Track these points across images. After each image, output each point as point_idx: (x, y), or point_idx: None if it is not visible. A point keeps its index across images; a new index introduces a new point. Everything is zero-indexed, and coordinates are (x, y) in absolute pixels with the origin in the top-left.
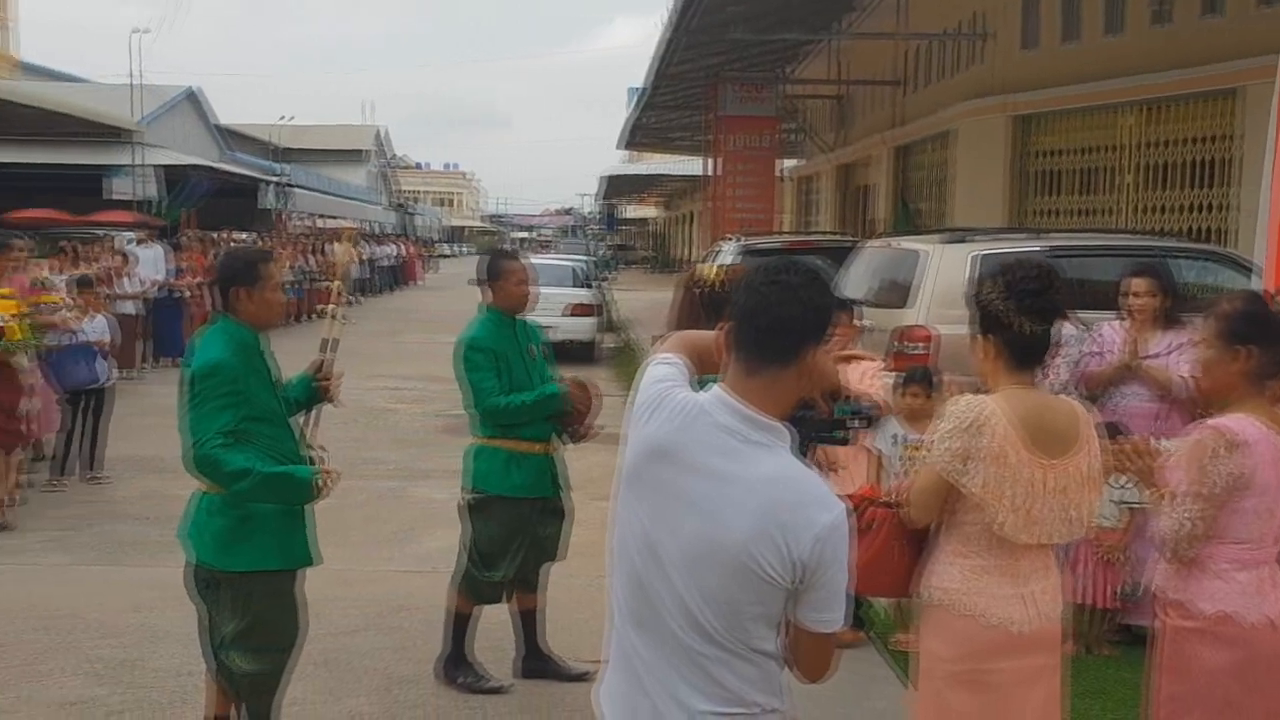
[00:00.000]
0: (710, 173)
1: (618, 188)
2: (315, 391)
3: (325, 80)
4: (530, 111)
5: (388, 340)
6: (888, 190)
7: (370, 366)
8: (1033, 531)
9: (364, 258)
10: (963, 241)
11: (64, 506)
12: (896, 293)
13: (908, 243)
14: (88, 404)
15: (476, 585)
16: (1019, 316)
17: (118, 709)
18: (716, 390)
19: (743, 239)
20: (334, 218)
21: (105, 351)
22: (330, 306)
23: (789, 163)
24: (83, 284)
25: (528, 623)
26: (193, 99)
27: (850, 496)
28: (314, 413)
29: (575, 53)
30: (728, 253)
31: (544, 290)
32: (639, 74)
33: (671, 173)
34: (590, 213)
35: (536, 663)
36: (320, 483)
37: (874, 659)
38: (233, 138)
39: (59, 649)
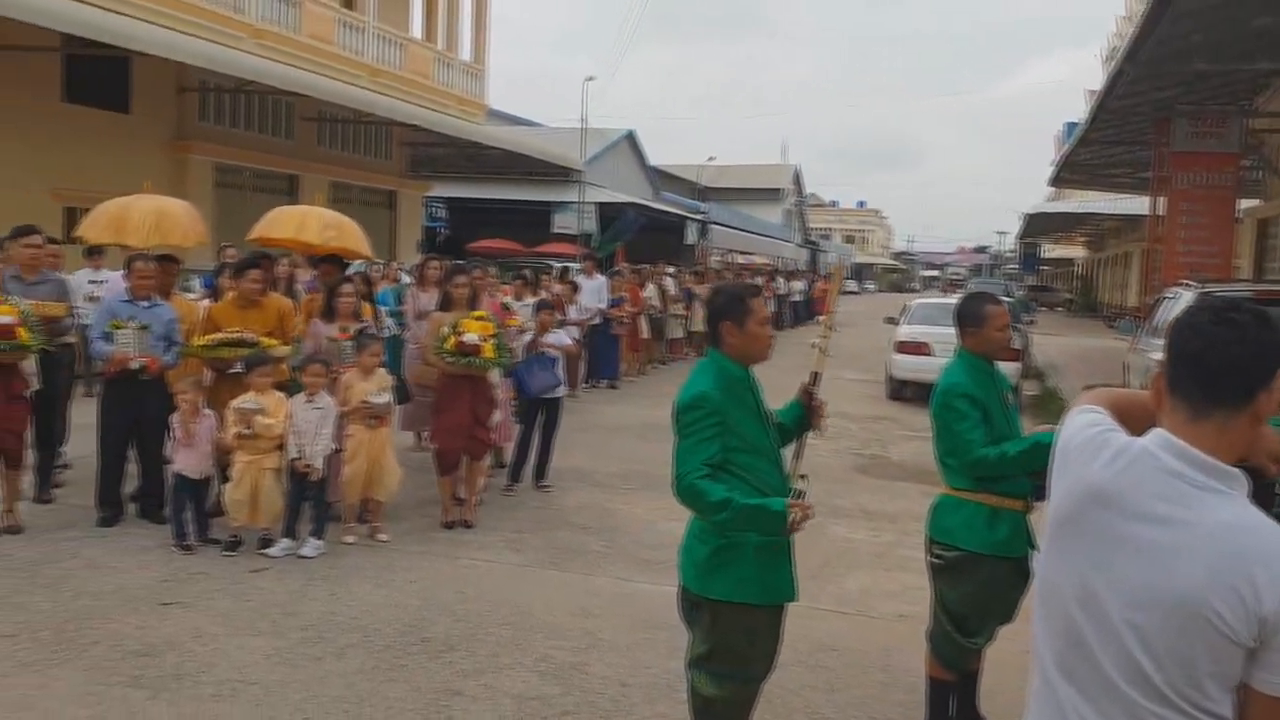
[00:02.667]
0: (1154, 212)
1: (1040, 226)
2: (804, 419)
3: (745, 121)
4: (945, 148)
5: (799, 375)
6: None
7: (783, 401)
8: None
9: (785, 295)
10: None
11: (517, 510)
12: None
13: None
14: (544, 416)
15: (957, 651)
16: None
17: (571, 709)
18: (1160, 433)
19: (1201, 286)
20: (748, 253)
21: (561, 360)
22: (817, 340)
23: (1246, 203)
24: (543, 305)
25: (968, 686)
26: (631, 140)
27: None
28: (800, 441)
29: (998, 89)
30: (1183, 300)
31: None
32: (1069, 108)
33: (1104, 211)
34: (1008, 251)
35: None
36: (794, 516)
37: None
38: (661, 177)
39: (515, 644)
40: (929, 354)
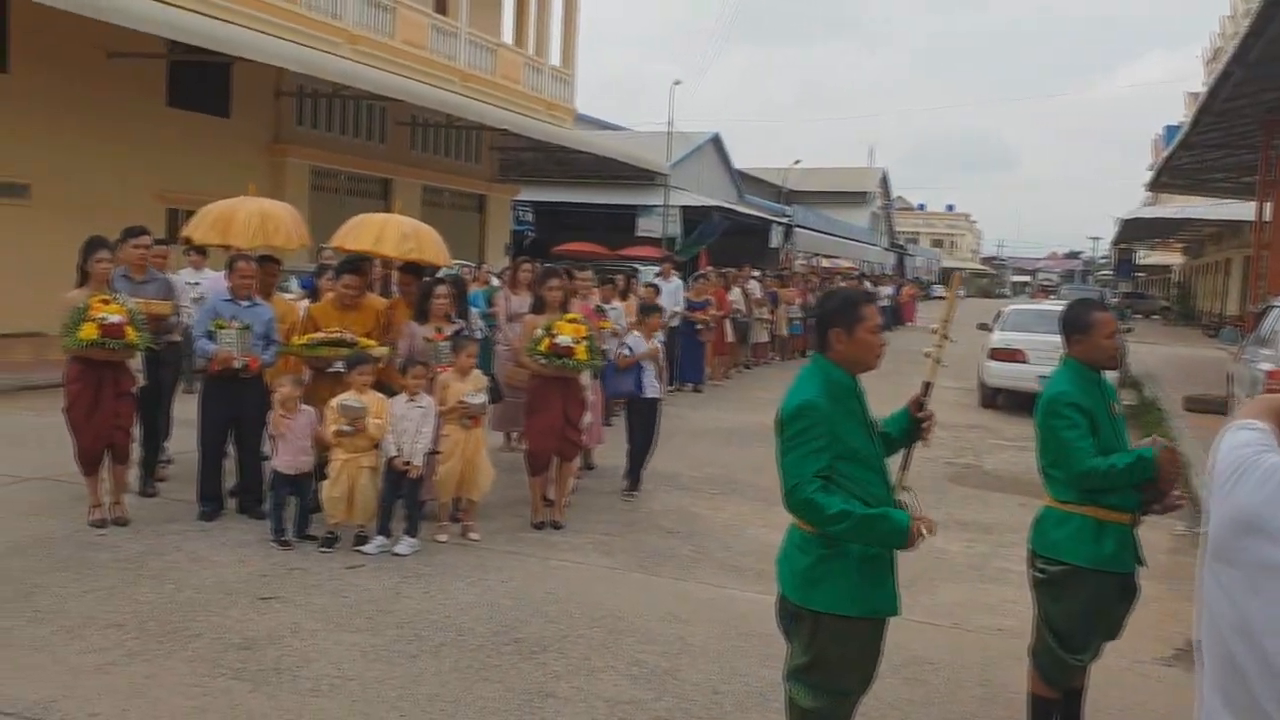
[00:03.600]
0: (1260, 217)
1: (1135, 231)
2: (911, 430)
3: (831, 123)
4: (1037, 152)
5: (888, 381)
6: None
7: (874, 408)
8: None
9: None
10: None
11: (604, 513)
12: None
13: None
14: (643, 421)
15: (1061, 668)
16: None
17: (664, 715)
18: None
19: None
20: (833, 257)
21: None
22: (931, 349)
23: None
24: (646, 310)
25: (1072, 703)
26: (716, 144)
27: None
28: (908, 453)
29: (1090, 91)
30: None
31: (1058, 339)
32: (1164, 112)
33: (1203, 216)
34: (1101, 257)
35: None
36: (916, 530)
37: None
38: (746, 180)
39: (606, 647)
40: (1024, 361)
